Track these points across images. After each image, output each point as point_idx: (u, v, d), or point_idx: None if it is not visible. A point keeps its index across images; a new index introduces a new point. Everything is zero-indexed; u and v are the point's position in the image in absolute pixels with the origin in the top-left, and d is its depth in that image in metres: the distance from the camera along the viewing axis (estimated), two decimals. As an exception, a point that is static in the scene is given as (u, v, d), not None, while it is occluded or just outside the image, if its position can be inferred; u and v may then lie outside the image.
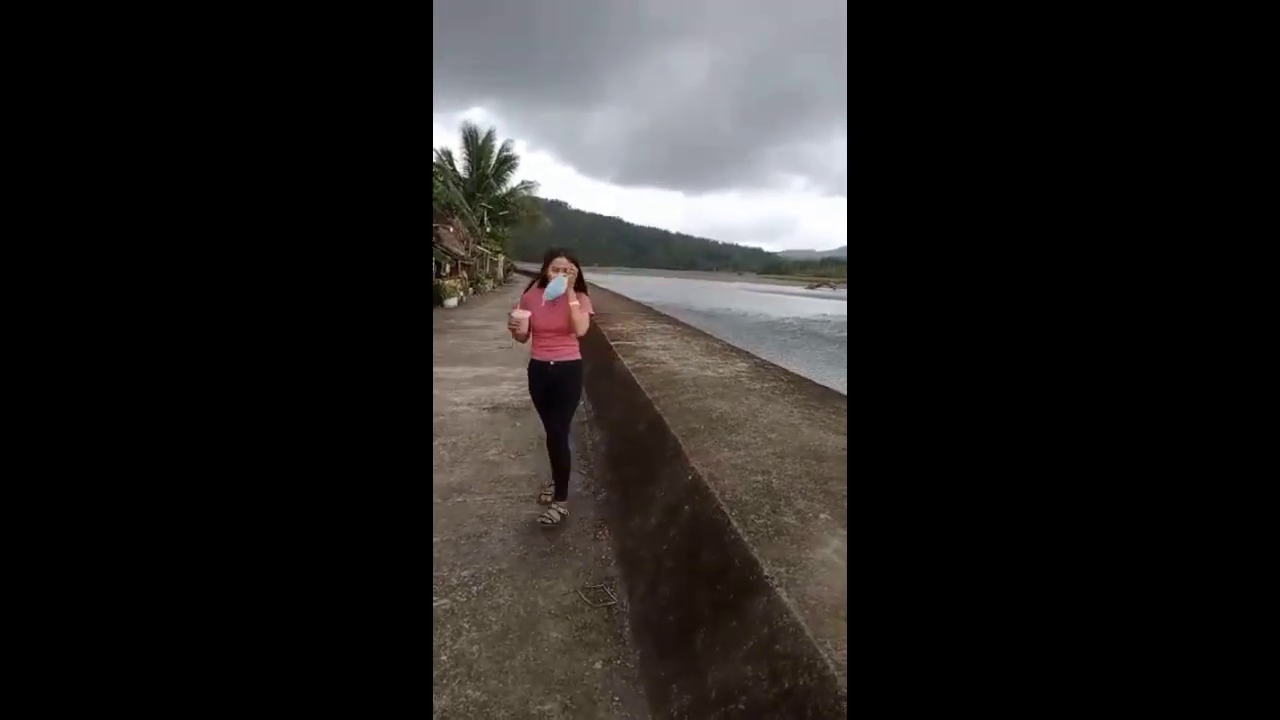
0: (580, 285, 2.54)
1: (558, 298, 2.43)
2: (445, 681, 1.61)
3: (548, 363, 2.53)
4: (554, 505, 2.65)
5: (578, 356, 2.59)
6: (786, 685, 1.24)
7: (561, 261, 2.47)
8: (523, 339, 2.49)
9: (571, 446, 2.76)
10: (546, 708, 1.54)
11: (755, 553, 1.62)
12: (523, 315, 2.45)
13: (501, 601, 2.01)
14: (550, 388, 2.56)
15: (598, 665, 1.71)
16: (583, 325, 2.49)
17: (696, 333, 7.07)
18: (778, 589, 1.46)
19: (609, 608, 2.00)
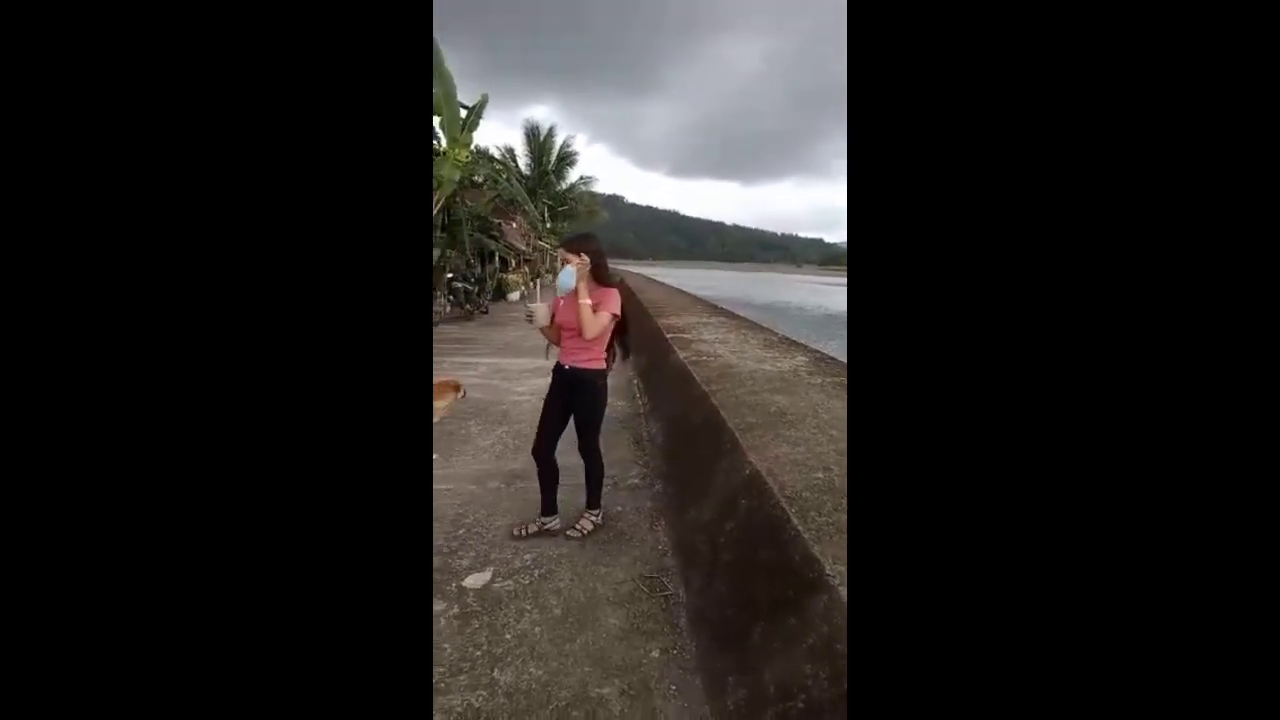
0: (602, 278, 2.20)
1: (569, 292, 2.16)
2: (510, 659, 1.68)
3: (564, 366, 2.29)
4: (587, 514, 2.49)
5: (599, 366, 2.28)
6: (848, 686, 1.21)
7: (561, 252, 2.20)
8: (553, 340, 2.31)
9: (603, 447, 2.50)
10: (605, 691, 1.58)
11: (816, 550, 1.59)
12: (539, 307, 2.20)
13: (561, 586, 2.07)
14: (570, 394, 2.30)
15: (655, 653, 1.74)
16: (591, 327, 2.14)
17: (754, 325, 6.95)
18: (840, 588, 1.43)
19: (665, 598, 2.02)
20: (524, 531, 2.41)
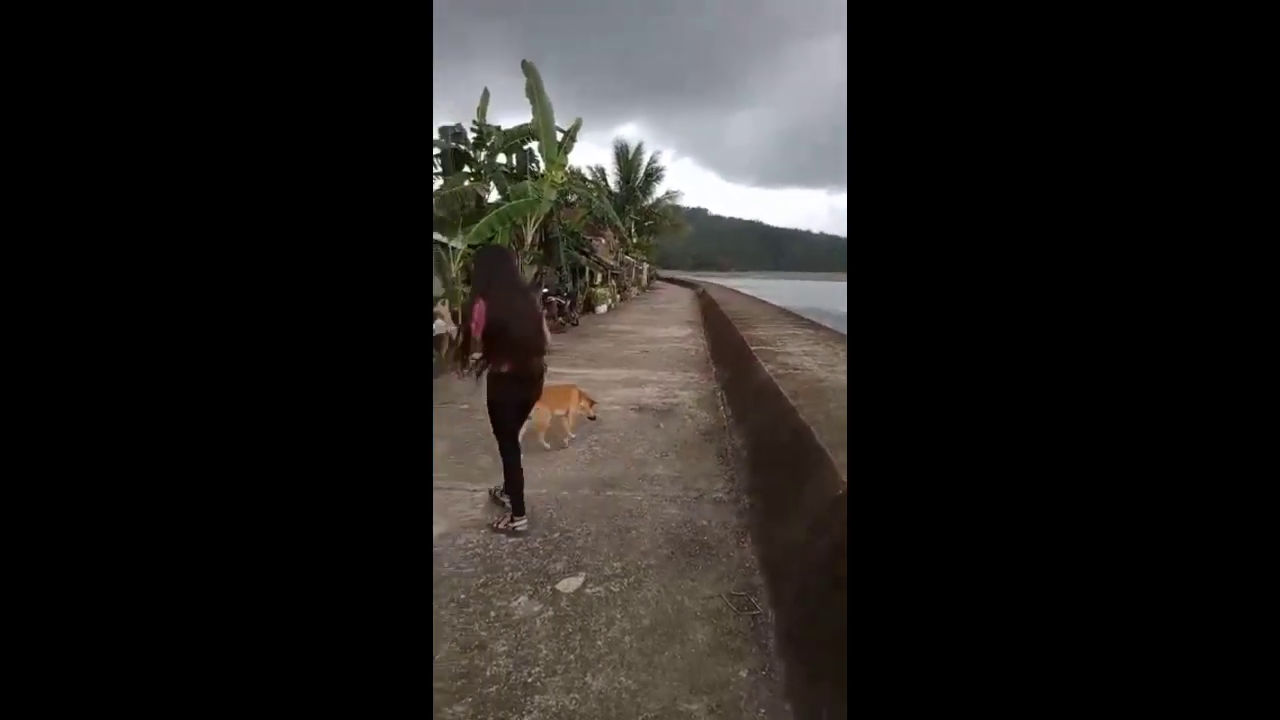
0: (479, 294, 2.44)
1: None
2: (601, 665, 1.74)
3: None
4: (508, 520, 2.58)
5: (495, 369, 2.47)
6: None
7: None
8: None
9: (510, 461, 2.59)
10: (693, 708, 1.59)
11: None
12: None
13: (649, 596, 2.11)
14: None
15: (743, 673, 1.72)
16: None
17: (842, 338, 6.65)
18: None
19: (754, 616, 1.99)
20: (498, 526, 2.57)
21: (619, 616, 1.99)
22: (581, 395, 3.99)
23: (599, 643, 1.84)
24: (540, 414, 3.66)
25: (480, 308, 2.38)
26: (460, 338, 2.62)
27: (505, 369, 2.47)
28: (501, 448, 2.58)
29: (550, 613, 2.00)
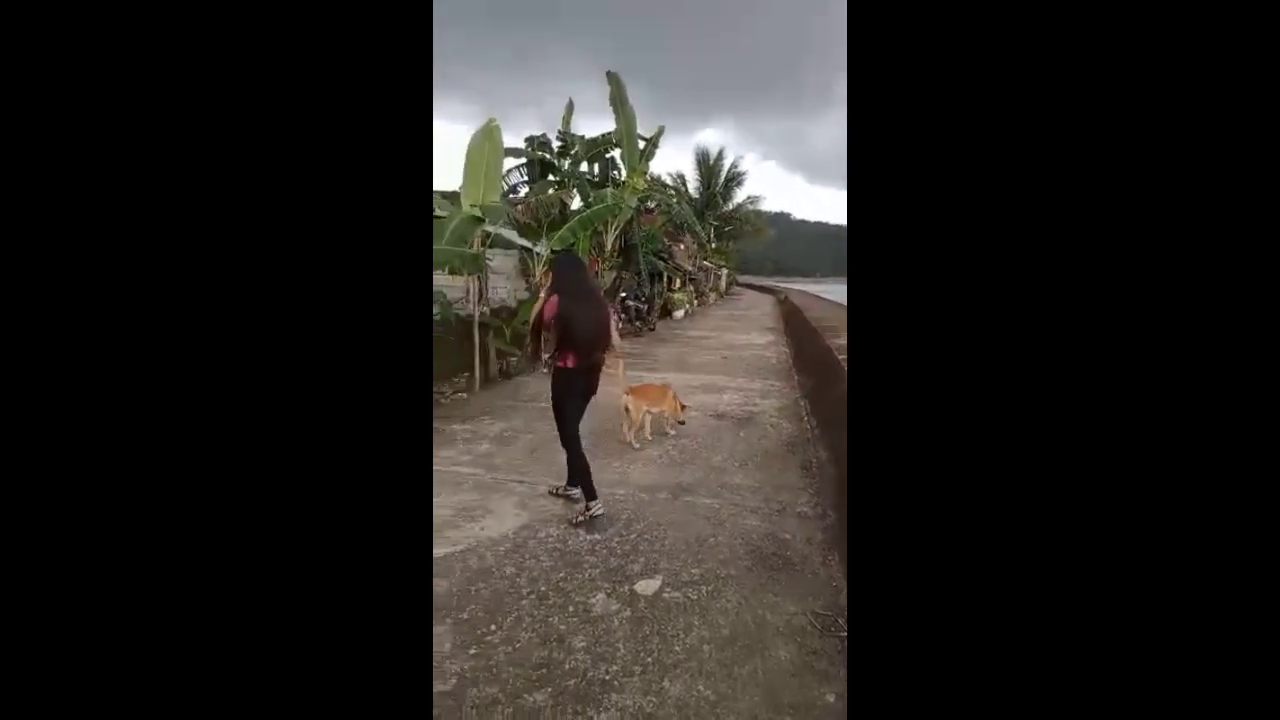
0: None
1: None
2: (679, 671, 1.70)
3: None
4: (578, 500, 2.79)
5: (560, 364, 2.66)
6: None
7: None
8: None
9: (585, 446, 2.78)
10: (776, 726, 1.51)
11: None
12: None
13: (729, 606, 2.04)
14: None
15: (830, 698, 1.61)
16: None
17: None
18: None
19: (841, 639, 1.87)
20: (579, 518, 2.70)
21: (697, 624, 1.94)
22: (675, 397, 4.06)
23: (677, 648, 1.80)
24: (636, 408, 3.78)
25: (553, 301, 2.61)
26: (531, 335, 2.84)
27: (570, 364, 2.64)
28: (564, 438, 2.73)
29: (628, 613, 1.99)
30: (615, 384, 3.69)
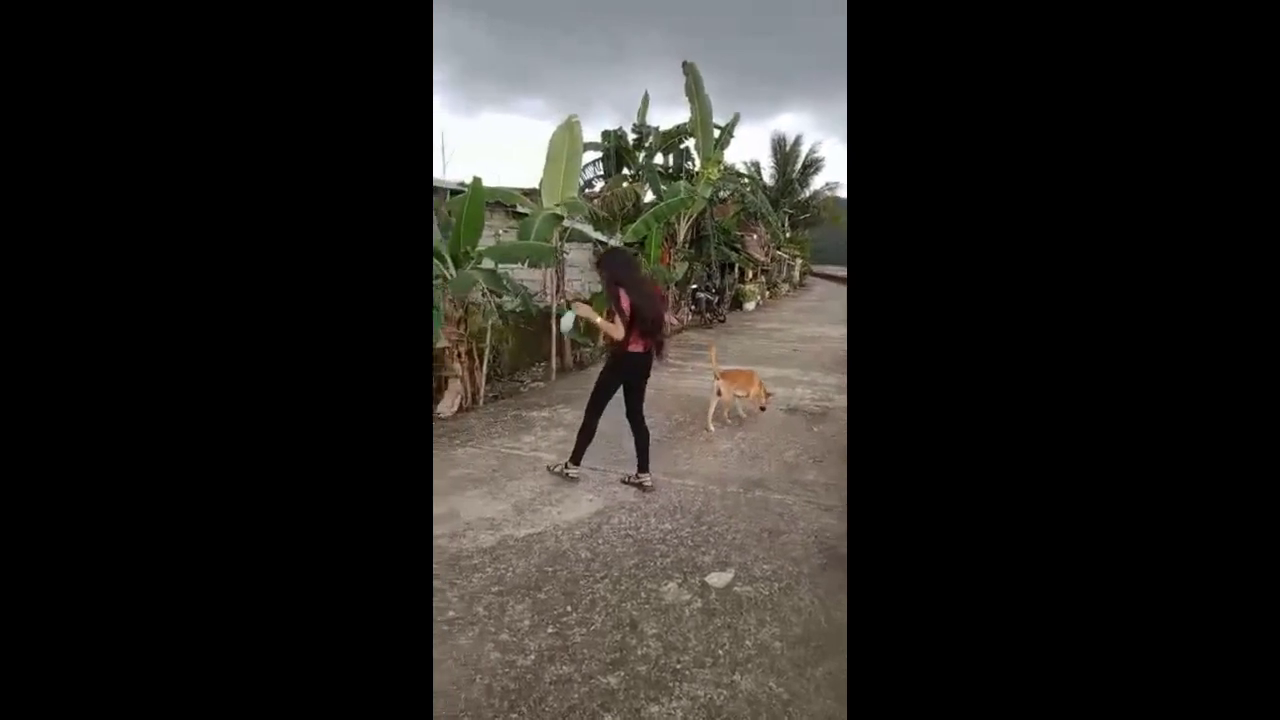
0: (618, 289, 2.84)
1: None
2: (750, 666, 1.69)
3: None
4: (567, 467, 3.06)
5: (632, 348, 2.86)
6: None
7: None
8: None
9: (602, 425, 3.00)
10: (852, 731, 1.47)
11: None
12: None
13: (802, 605, 2.00)
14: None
15: (911, 708, 1.54)
16: (612, 332, 2.89)
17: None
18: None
19: (924, 649, 1.78)
20: (560, 470, 3.06)
21: (769, 619, 1.92)
22: (762, 384, 4.20)
23: (748, 643, 1.79)
24: (727, 391, 3.96)
25: (623, 293, 2.83)
26: (625, 327, 2.92)
27: (640, 348, 2.88)
28: (638, 417, 3.00)
29: (699, 604, 2.00)
30: (675, 374, 3.68)
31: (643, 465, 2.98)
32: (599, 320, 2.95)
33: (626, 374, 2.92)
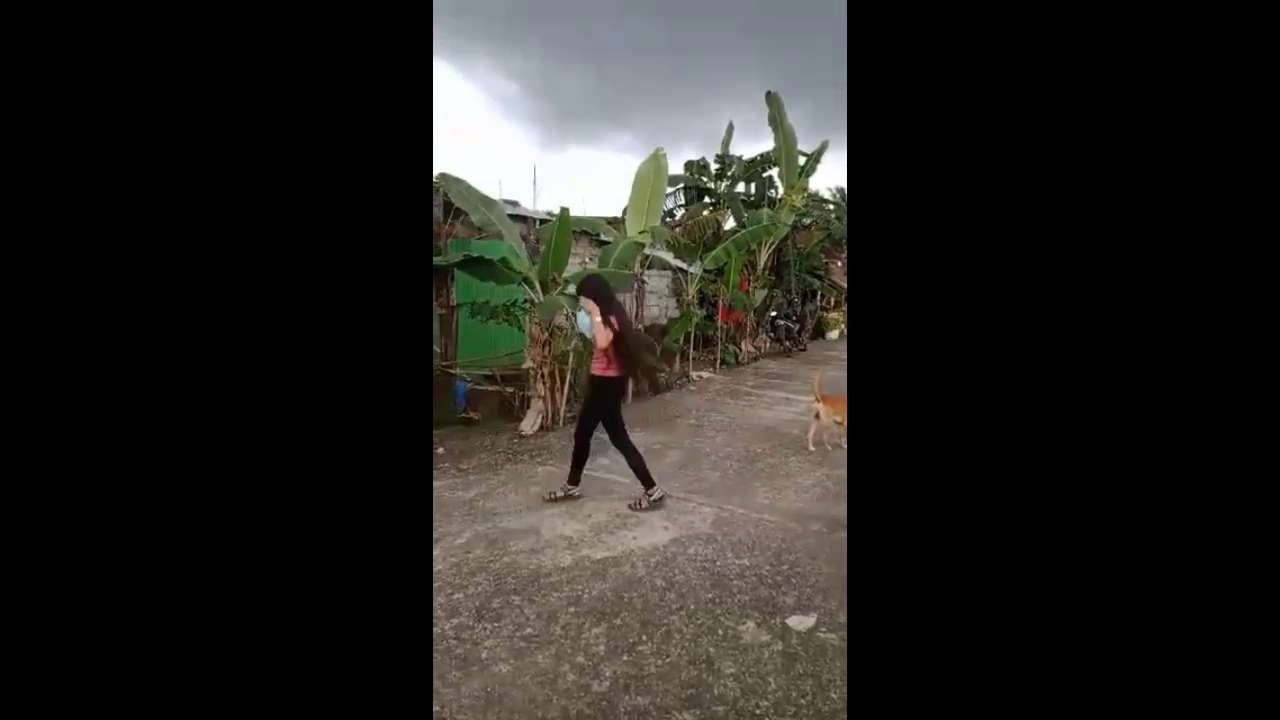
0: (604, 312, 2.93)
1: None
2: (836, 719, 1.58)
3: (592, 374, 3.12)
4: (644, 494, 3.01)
5: (613, 374, 3.01)
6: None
7: (582, 299, 3.05)
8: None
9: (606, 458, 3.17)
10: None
11: None
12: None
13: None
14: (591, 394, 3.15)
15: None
16: (601, 341, 2.97)
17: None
18: None
19: None
20: (552, 495, 3.11)
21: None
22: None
23: (833, 695, 1.68)
24: (826, 415, 4.06)
25: (613, 320, 2.94)
26: (615, 355, 3.02)
27: (615, 372, 3.01)
28: (579, 432, 3.09)
29: (779, 646, 1.90)
30: (759, 401, 3.61)
31: (646, 481, 3.02)
32: (596, 319, 2.97)
33: (612, 398, 3.09)
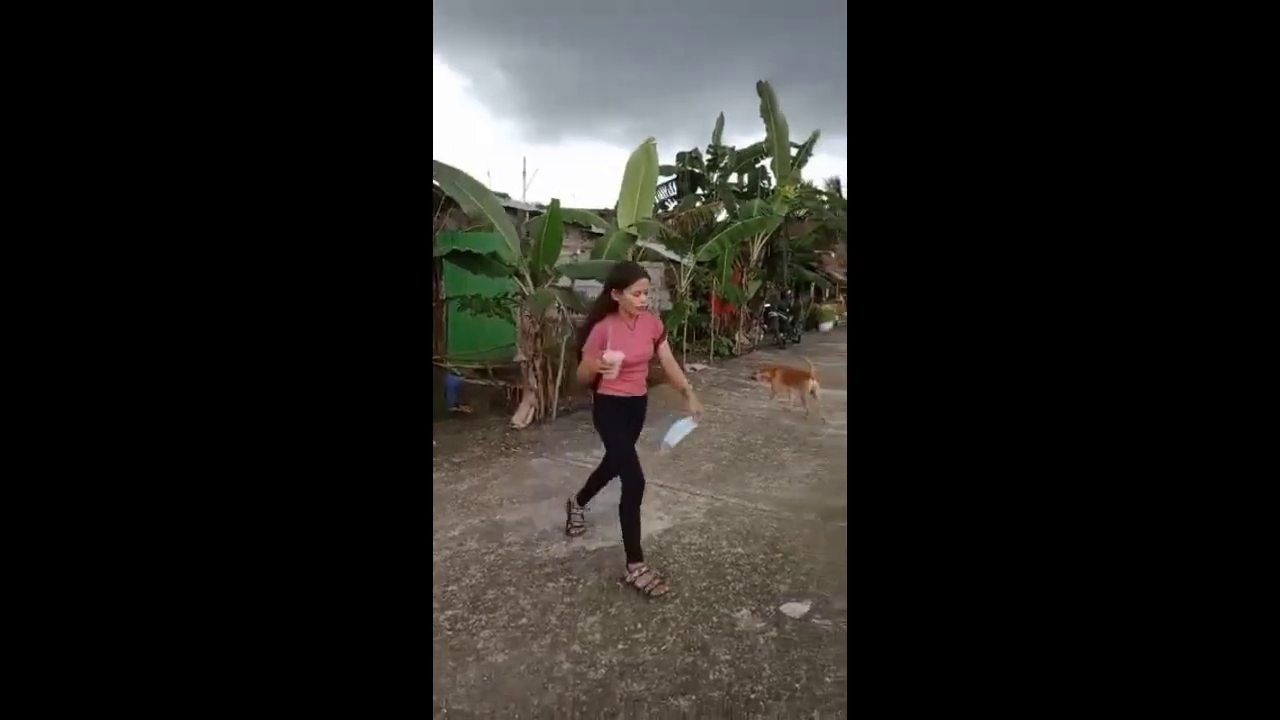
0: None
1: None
2: (830, 705, 1.59)
3: (641, 397, 2.33)
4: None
5: (607, 388, 2.29)
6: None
7: (644, 284, 2.24)
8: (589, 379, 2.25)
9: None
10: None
11: None
12: (616, 357, 2.11)
13: (887, 645, 1.87)
14: (639, 421, 2.37)
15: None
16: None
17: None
18: None
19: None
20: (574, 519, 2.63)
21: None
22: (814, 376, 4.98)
23: (827, 680, 1.69)
24: (779, 389, 5.25)
25: (600, 331, 2.28)
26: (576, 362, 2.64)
27: (611, 390, 2.35)
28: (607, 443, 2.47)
29: (774, 633, 1.91)
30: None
31: (583, 496, 2.65)
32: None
33: (603, 415, 2.54)
